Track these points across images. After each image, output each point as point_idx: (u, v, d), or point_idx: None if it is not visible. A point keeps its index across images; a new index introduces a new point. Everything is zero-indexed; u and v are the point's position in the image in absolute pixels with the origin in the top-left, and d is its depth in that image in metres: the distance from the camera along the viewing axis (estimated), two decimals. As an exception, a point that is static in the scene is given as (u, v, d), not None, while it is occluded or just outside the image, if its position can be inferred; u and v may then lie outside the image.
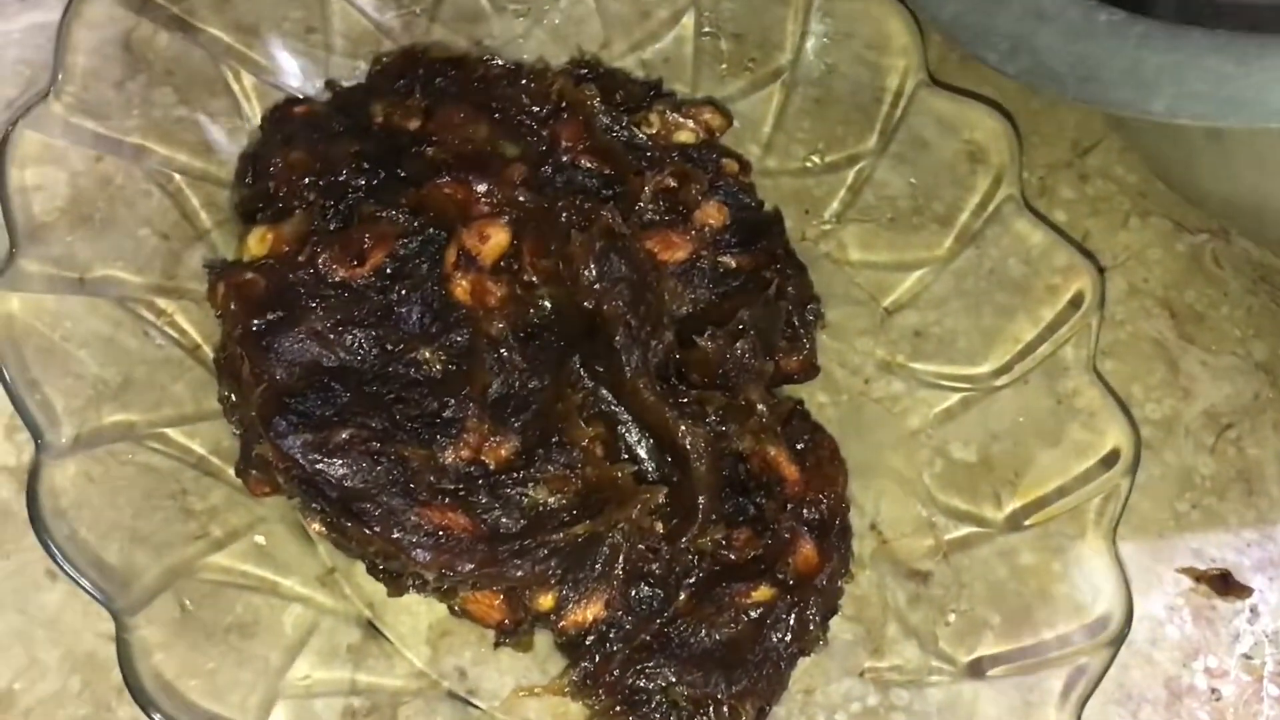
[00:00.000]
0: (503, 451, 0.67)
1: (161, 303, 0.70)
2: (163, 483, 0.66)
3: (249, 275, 0.68)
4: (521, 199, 0.71)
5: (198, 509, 0.67)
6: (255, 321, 0.66)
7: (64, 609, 0.68)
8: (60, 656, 0.67)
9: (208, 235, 0.73)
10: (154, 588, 0.62)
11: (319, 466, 0.63)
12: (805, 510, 0.70)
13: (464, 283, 0.69)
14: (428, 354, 0.68)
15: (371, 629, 0.68)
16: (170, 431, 0.68)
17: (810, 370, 0.76)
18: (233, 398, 0.68)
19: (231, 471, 0.68)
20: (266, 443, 0.64)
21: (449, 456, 0.66)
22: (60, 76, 0.69)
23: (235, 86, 0.76)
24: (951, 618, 0.71)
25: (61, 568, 0.60)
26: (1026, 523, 0.71)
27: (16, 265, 0.65)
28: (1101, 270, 0.75)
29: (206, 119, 0.75)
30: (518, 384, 0.68)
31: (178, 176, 0.73)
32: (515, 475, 0.66)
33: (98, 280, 0.68)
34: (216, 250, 0.73)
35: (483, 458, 0.66)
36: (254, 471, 0.66)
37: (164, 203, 0.72)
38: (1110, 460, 0.70)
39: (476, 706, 0.67)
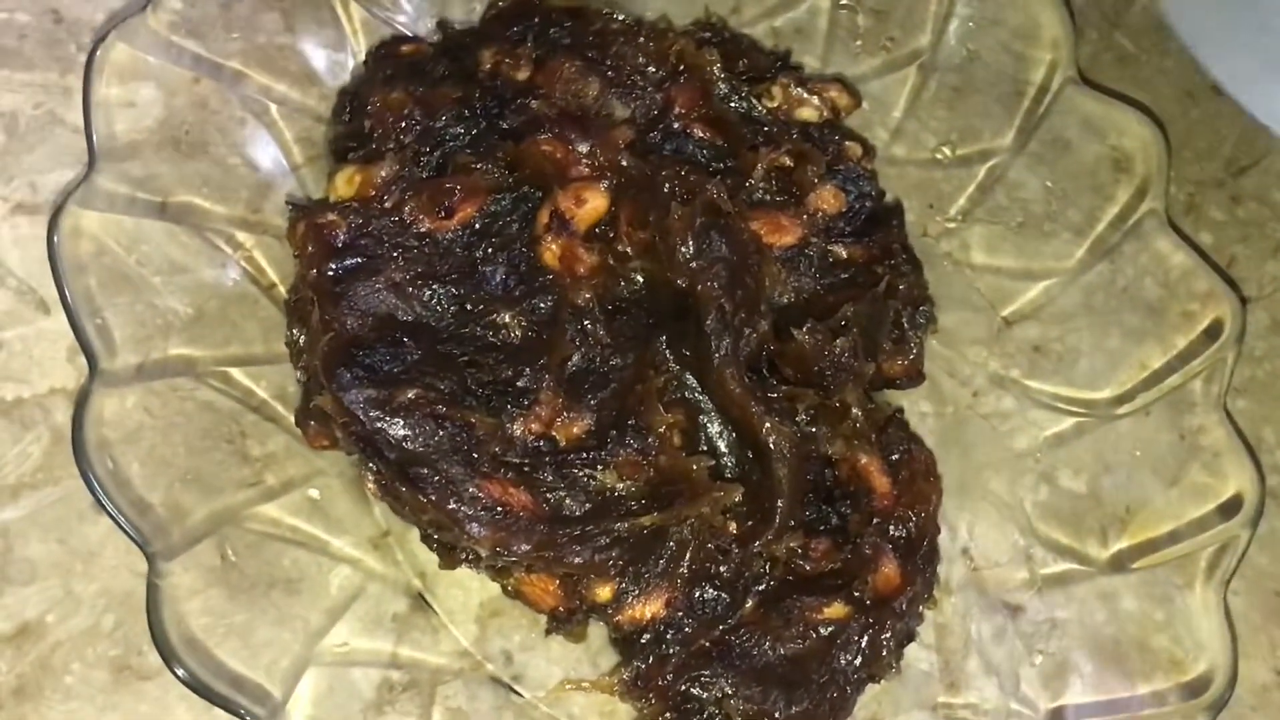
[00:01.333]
0: (574, 429, 0.63)
1: (241, 236, 0.67)
2: (222, 423, 0.64)
3: (331, 216, 0.64)
4: (624, 164, 0.66)
5: (255, 455, 0.64)
6: (331, 265, 0.63)
7: (106, 543, 0.65)
8: (96, 592, 0.65)
9: (299, 170, 0.70)
10: (197, 533, 0.60)
11: (379, 425, 0.60)
12: (892, 526, 0.65)
13: (554, 247, 0.65)
14: (508, 318, 0.64)
15: (420, 601, 0.65)
16: (235, 372, 0.65)
17: (915, 377, 0.71)
18: (300, 343, 0.65)
19: (293, 419, 0.65)
20: (327, 394, 0.60)
21: (518, 428, 0.62)
22: (163, -10, 0.66)
23: (343, 18, 0.73)
24: (1038, 659, 0.66)
25: (100, 502, 0.57)
26: (1133, 565, 0.66)
27: (92, 182, 0.62)
28: (1244, 301, 0.69)
29: (311, 49, 0.72)
30: (599, 359, 0.64)
31: (274, 107, 0.70)
32: (585, 455, 0.62)
33: (180, 206, 0.66)
34: (305, 187, 0.70)
35: (553, 433, 0.62)
36: (312, 423, 0.63)
37: (258, 132, 0.69)
38: (1230, 508, 0.64)
39: (519, 694, 0.64)
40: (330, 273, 0.63)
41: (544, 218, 0.65)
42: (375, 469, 0.60)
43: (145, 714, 0.61)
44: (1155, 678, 0.64)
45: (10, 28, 0.74)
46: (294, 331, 0.65)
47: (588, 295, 0.65)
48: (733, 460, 0.64)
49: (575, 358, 0.64)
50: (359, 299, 0.63)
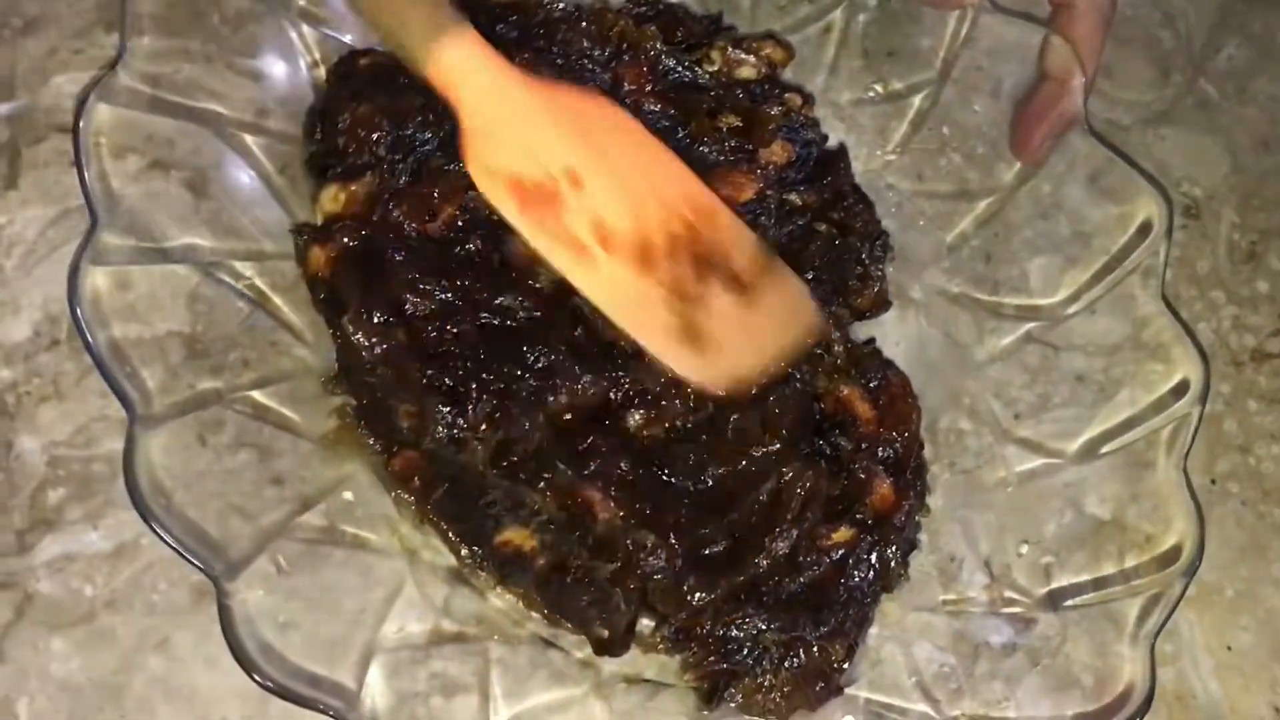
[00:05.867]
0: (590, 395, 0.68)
1: (240, 266, 0.70)
2: (250, 445, 0.67)
3: (345, 239, 0.69)
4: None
5: (284, 469, 0.68)
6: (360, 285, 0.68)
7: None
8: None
9: (281, 194, 0.73)
10: (250, 551, 0.64)
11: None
12: (880, 449, 0.71)
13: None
14: (509, 301, 0.69)
15: (460, 577, 0.70)
16: (256, 394, 0.69)
17: (882, 305, 0.77)
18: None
19: (311, 427, 0.69)
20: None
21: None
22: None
23: (297, 42, 0.76)
24: (1024, 549, 0.72)
25: (161, 538, 0.61)
26: (1102, 451, 0.72)
27: (98, 239, 0.65)
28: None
29: (276, 76, 0.75)
30: (600, 326, 0.69)
31: (253, 139, 0.73)
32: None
33: (178, 248, 0.69)
34: (289, 209, 0.73)
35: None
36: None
37: (240, 165, 0.72)
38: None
39: (560, 648, 0.69)
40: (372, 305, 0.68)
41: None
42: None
43: (216, 634, 0.63)
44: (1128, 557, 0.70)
45: None
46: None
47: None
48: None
49: (579, 329, 0.69)
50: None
